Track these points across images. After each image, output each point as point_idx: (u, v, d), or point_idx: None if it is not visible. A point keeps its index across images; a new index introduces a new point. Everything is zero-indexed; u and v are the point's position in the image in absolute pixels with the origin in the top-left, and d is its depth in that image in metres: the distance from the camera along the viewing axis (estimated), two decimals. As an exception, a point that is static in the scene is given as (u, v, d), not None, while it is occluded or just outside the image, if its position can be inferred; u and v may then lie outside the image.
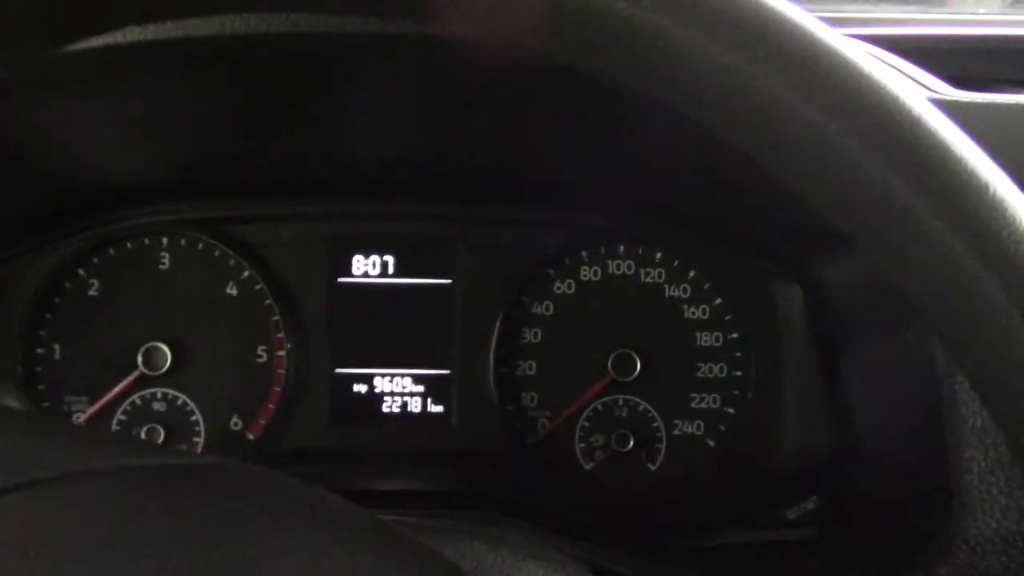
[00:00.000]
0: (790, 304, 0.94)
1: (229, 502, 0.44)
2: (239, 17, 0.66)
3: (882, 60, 0.86)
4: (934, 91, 0.77)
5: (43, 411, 0.95)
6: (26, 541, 0.37)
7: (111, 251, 0.97)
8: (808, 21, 0.34)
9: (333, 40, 0.70)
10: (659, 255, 0.98)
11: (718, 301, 0.98)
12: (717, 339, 0.98)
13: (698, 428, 0.98)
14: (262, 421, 0.97)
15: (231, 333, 0.98)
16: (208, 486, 0.45)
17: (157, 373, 0.95)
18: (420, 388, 0.99)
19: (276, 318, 0.97)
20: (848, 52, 0.34)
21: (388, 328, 0.99)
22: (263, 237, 0.98)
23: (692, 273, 0.98)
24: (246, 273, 0.97)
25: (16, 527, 0.38)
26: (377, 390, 0.99)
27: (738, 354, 0.97)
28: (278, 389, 0.97)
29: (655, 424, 0.98)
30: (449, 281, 0.98)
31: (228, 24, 0.65)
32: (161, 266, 0.98)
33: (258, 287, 0.97)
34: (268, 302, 0.97)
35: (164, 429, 0.96)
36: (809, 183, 0.36)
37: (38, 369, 0.97)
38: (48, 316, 0.97)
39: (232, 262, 0.97)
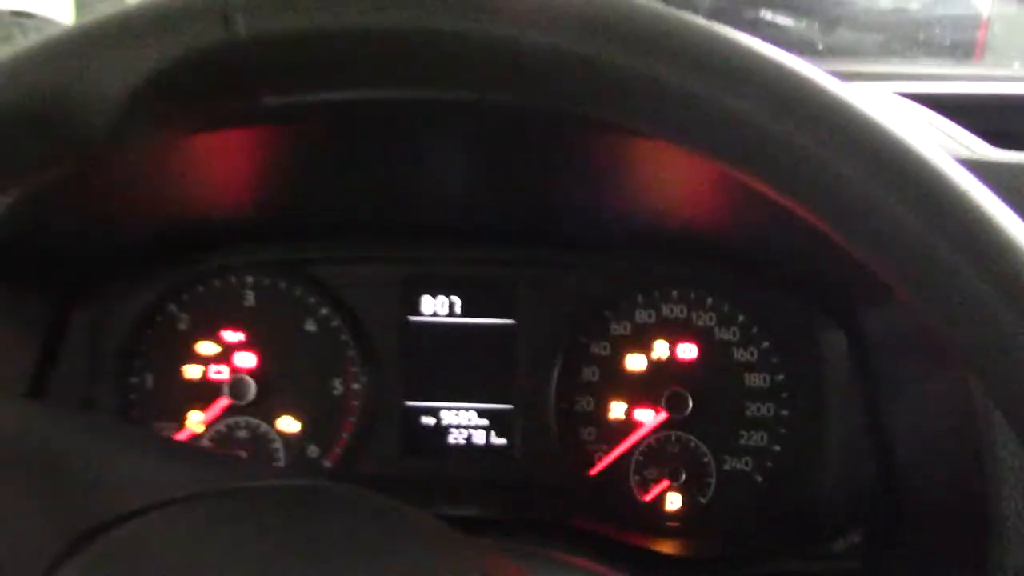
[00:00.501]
0: (833, 349, 1.00)
1: (343, 520, 0.49)
2: None
3: (922, 116, 0.93)
4: (972, 151, 0.83)
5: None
6: (160, 559, 0.43)
7: (200, 288, 1.05)
8: (879, 113, 0.40)
9: (414, 104, 0.77)
10: (710, 300, 1.04)
11: (765, 344, 1.03)
12: (764, 380, 1.04)
13: (746, 464, 1.04)
14: (338, 449, 1.04)
15: (309, 367, 1.05)
16: (319, 505, 0.51)
17: (243, 403, 1.02)
18: (484, 421, 1.05)
19: (351, 353, 1.04)
20: (921, 147, 0.40)
21: (455, 364, 1.05)
22: (340, 278, 1.05)
23: (741, 317, 1.04)
24: (324, 311, 1.05)
25: (148, 547, 0.42)
26: (444, 423, 1.05)
27: (784, 395, 1.03)
28: (352, 420, 1.04)
29: (706, 459, 1.04)
30: (512, 321, 1.05)
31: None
32: (246, 303, 1.05)
33: (335, 324, 1.05)
34: (344, 338, 1.04)
35: (247, 455, 1.03)
36: (871, 250, 0.42)
37: (131, 397, 1.04)
38: (141, 348, 1.04)
39: (311, 300, 1.05)
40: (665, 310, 1.05)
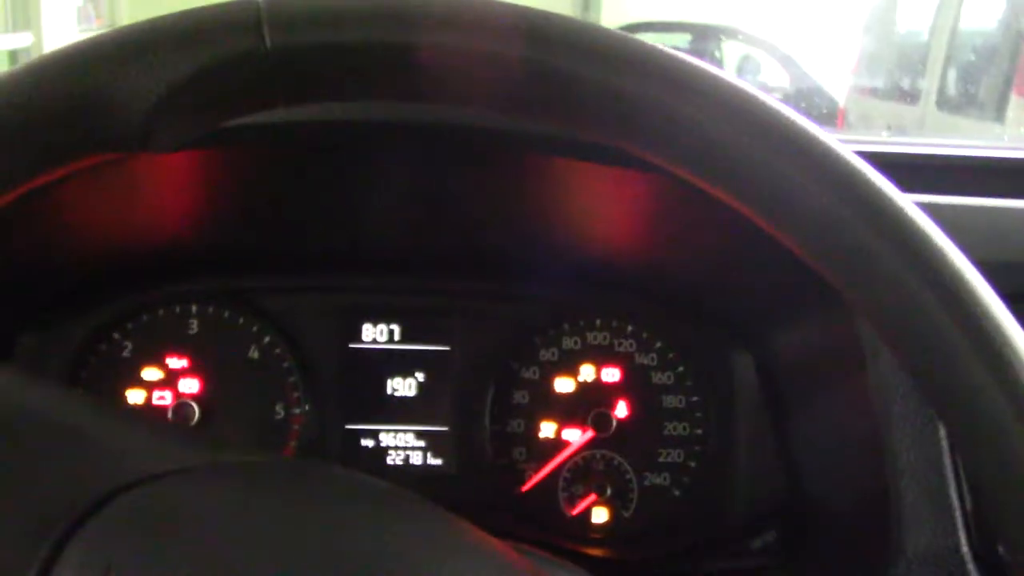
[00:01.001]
0: (743, 371, 1.10)
1: (328, 492, 0.53)
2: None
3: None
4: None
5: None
6: (150, 533, 0.43)
7: (144, 317, 1.08)
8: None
9: (355, 127, 0.83)
10: (630, 327, 1.13)
11: (681, 368, 1.13)
12: (681, 401, 1.12)
13: (664, 479, 1.12)
14: (280, 471, 1.08)
15: (252, 392, 1.09)
16: (303, 478, 0.54)
17: (187, 427, 1.05)
18: (422, 443, 1.11)
19: (293, 379, 1.09)
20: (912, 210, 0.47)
21: (393, 389, 1.11)
22: (283, 307, 1.09)
23: (659, 344, 1.13)
24: (267, 338, 1.09)
25: (134, 522, 0.43)
26: (383, 444, 1.10)
27: (699, 415, 1.12)
28: (294, 443, 1.08)
29: (628, 476, 1.11)
30: (448, 348, 1.11)
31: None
32: (190, 331, 1.08)
33: (278, 351, 1.09)
34: (287, 365, 1.09)
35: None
36: (849, 284, 0.49)
37: (73, 423, 1.05)
38: (85, 373, 1.06)
39: (255, 328, 1.09)
40: (590, 337, 1.12)
